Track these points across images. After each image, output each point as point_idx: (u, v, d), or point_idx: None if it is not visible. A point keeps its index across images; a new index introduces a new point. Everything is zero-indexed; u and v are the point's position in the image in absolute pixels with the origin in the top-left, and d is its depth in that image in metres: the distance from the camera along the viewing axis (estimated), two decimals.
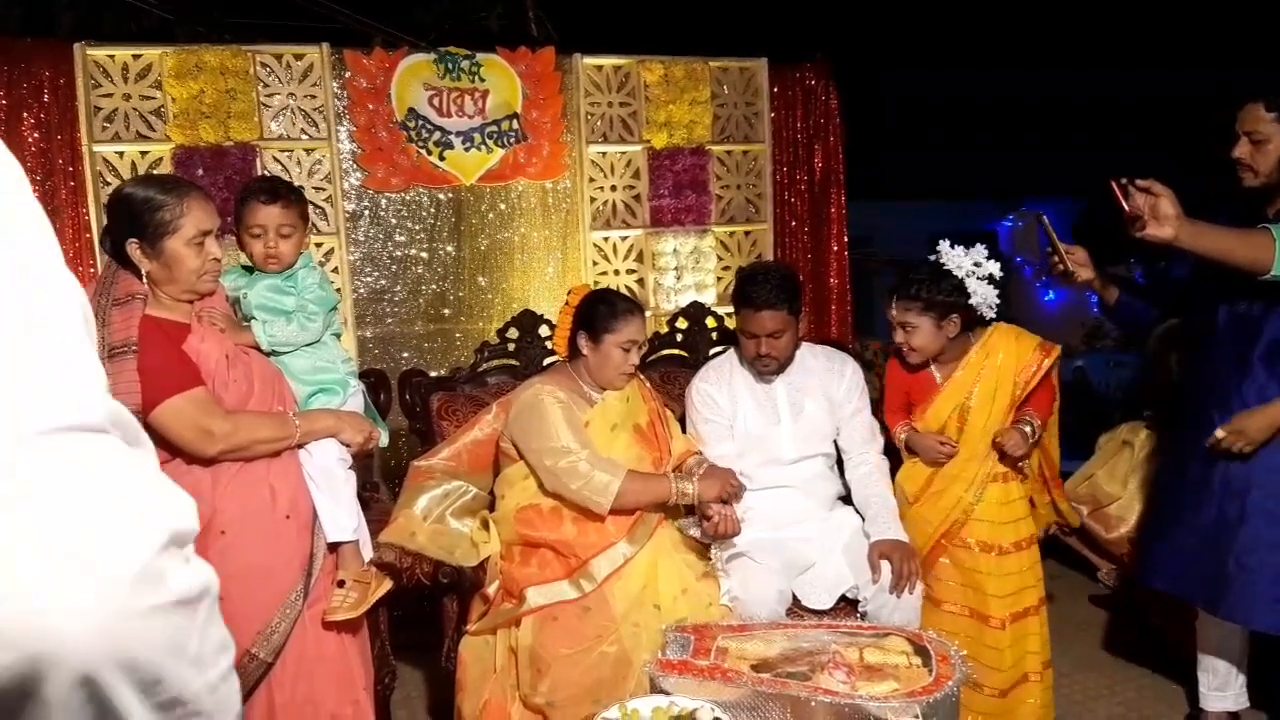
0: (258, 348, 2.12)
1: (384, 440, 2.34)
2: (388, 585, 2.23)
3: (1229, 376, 2.38)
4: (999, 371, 2.58)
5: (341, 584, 2.14)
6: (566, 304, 2.60)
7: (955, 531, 2.58)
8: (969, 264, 2.53)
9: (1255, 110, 2.26)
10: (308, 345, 2.20)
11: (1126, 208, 1.99)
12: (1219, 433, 2.33)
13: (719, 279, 4.18)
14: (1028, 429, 2.55)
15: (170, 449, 1.91)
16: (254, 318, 2.14)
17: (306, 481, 2.10)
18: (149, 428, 1.82)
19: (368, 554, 2.26)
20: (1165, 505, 2.64)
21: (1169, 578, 2.51)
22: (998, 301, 2.55)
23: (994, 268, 2.54)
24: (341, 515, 2.13)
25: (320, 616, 2.09)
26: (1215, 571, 2.37)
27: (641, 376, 2.69)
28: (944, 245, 2.57)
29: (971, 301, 2.53)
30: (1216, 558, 2.36)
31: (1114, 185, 1.99)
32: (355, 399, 2.29)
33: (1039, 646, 2.59)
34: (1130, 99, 6.89)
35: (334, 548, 2.16)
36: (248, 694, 1.98)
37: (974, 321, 2.60)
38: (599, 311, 2.50)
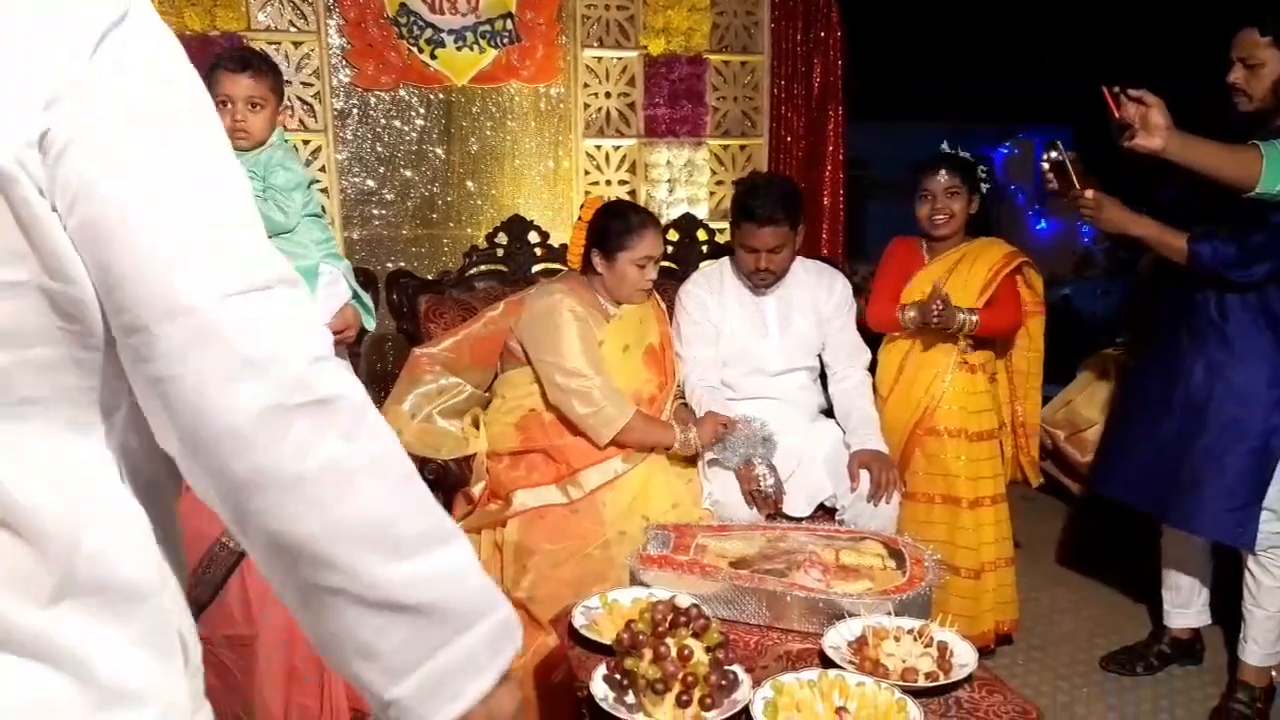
0: None
1: (370, 324, 2.27)
2: None
3: (1202, 299, 2.41)
4: (976, 261, 2.75)
5: None
6: (580, 219, 2.56)
7: (926, 419, 2.70)
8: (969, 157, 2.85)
9: (1250, 35, 2.26)
10: (282, 234, 2.04)
11: (1118, 115, 1.98)
12: (1089, 193, 2.36)
13: (711, 193, 4.13)
14: (962, 312, 2.60)
15: None
16: None
17: None
18: None
19: None
20: (1126, 419, 2.73)
21: (1123, 486, 2.61)
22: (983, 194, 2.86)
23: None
24: None
25: None
26: (1169, 481, 2.44)
27: (658, 296, 2.67)
28: (945, 145, 2.84)
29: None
30: (1172, 468, 2.44)
31: (1106, 93, 1.98)
32: (335, 287, 2.13)
33: (994, 539, 2.72)
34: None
35: None
36: (221, 584, 1.98)
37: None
38: (612, 227, 2.45)
